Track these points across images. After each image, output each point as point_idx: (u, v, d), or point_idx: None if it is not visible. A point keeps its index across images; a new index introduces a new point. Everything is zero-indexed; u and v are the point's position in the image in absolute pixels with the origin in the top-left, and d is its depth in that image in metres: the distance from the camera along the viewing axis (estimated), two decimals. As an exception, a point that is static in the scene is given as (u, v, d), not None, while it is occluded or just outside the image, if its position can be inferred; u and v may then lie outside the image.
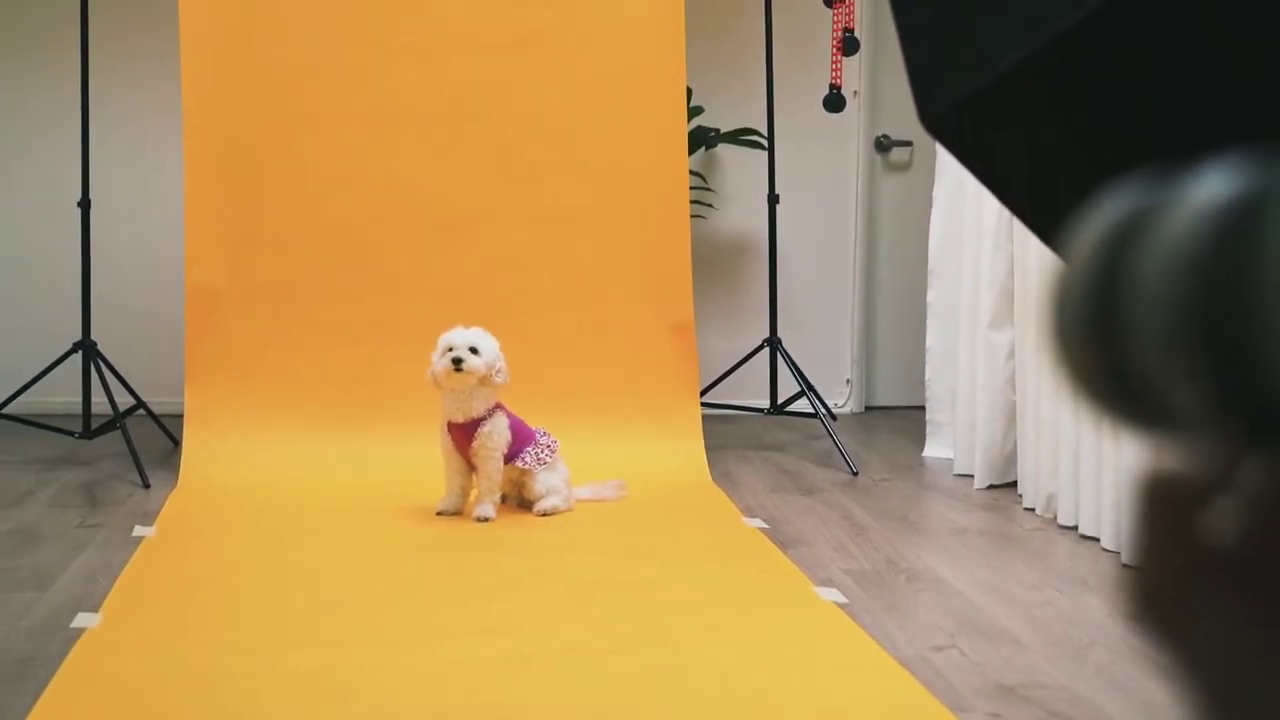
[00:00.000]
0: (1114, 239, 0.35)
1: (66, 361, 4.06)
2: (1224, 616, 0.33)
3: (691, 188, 4.74)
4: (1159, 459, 0.35)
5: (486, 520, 3.34)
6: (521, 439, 3.42)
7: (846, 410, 5.48)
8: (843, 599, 2.68)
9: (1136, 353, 0.33)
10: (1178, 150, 0.41)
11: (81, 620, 2.44)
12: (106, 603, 2.56)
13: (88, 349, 4.01)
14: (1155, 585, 0.34)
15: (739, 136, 5.02)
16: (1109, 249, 0.35)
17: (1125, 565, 0.38)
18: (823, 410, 4.37)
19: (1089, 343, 0.35)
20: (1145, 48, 0.52)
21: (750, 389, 4.74)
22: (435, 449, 3.43)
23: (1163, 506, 0.34)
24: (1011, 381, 3.87)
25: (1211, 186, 0.32)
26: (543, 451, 3.44)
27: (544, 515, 3.40)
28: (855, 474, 4.07)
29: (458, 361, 3.28)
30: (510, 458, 3.40)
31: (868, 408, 5.60)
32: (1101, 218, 0.35)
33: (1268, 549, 0.32)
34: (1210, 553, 0.33)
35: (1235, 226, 0.31)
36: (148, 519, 3.31)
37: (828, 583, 2.82)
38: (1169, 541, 0.34)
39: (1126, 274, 0.34)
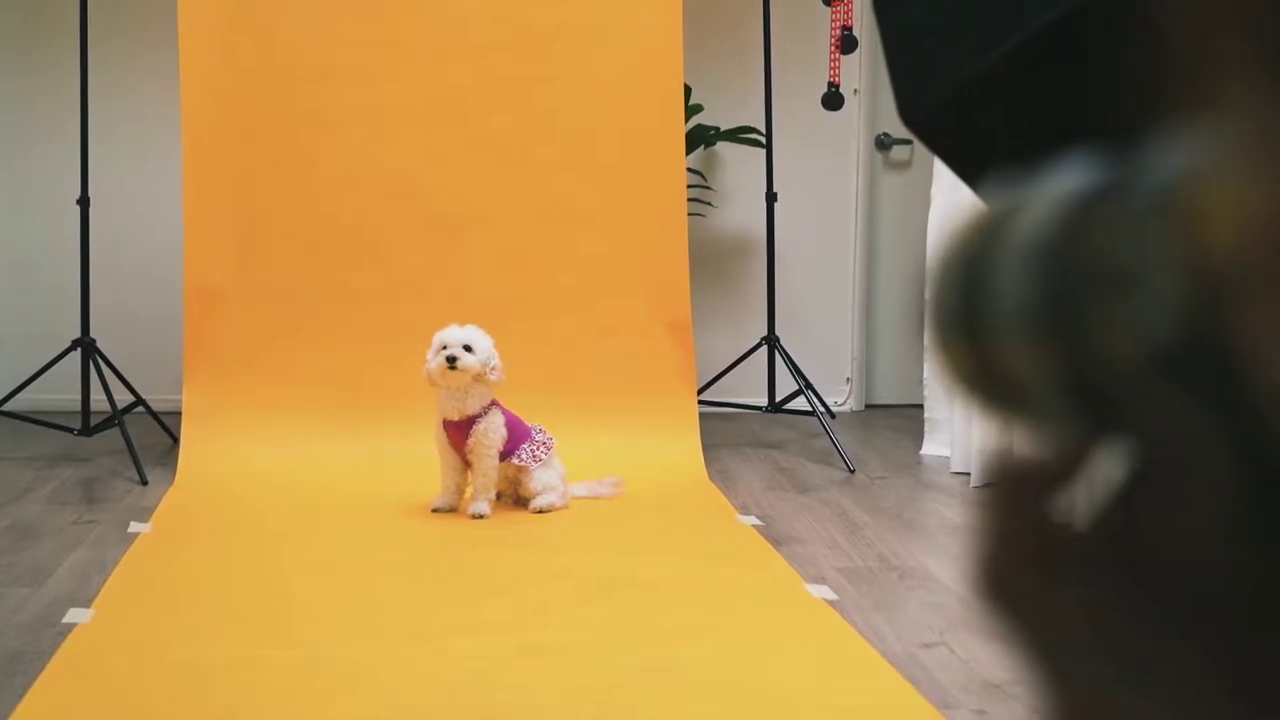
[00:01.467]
0: (981, 232, 0.35)
1: (66, 359, 4.07)
2: (1071, 601, 0.33)
3: (691, 186, 4.74)
4: (1015, 446, 0.35)
5: (482, 517, 3.34)
6: (517, 436, 3.43)
7: (847, 408, 5.48)
8: (833, 596, 2.68)
9: (995, 343, 0.34)
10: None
11: (73, 616, 2.45)
12: (98, 598, 2.57)
13: (87, 346, 4.03)
14: (1004, 569, 0.35)
15: (738, 135, 5.02)
16: (976, 242, 0.35)
17: (973, 548, 0.39)
18: (820, 408, 4.37)
19: (957, 334, 0.36)
20: (1126, 41, 0.53)
21: (749, 387, 4.73)
22: (431, 447, 3.44)
23: (1015, 491, 0.35)
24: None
25: (1062, 180, 0.33)
26: (538, 449, 3.45)
27: (539, 512, 3.41)
28: (852, 472, 4.07)
29: (452, 360, 3.29)
30: (506, 455, 3.41)
31: (868, 405, 5.60)
32: (975, 212, 0.36)
33: (1115, 536, 0.32)
34: (1059, 539, 0.34)
35: (1070, 220, 0.32)
36: (144, 516, 3.32)
37: (819, 580, 2.82)
38: (1019, 526, 0.35)
39: (987, 267, 0.34)
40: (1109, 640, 0.32)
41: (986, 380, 0.36)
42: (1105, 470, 0.33)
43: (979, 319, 0.35)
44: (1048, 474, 0.34)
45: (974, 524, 0.36)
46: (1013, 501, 0.35)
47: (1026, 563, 0.34)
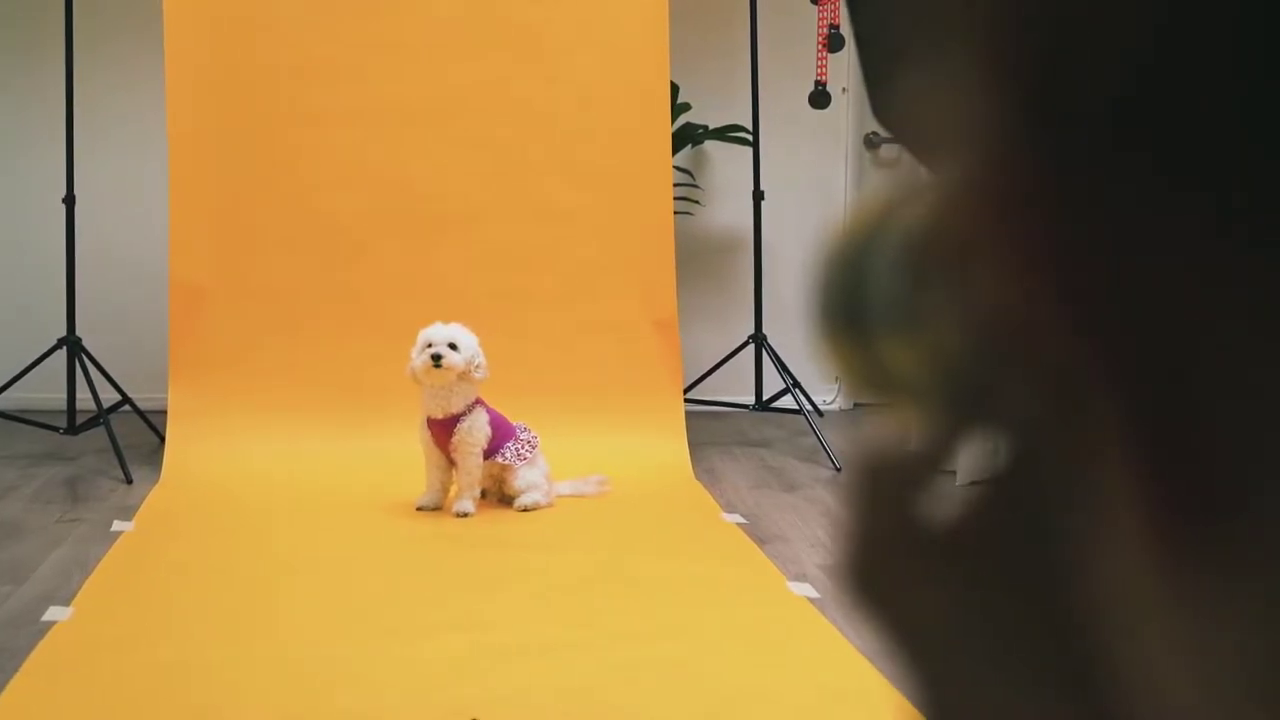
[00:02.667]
0: (863, 226, 0.35)
1: (51, 357, 4.06)
2: (932, 595, 0.33)
3: (678, 184, 4.74)
4: (881, 437, 0.35)
5: (466, 516, 3.34)
6: (502, 434, 3.43)
7: (835, 407, 5.47)
8: (815, 594, 2.68)
9: (875, 336, 0.34)
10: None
11: (51, 614, 2.44)
12: (78, 597, 2.56)
13: (72, 345, 4.02)
14: (869, 561, 0.35)
15: (726, 133, 5.02)
16: (858, 236, 0.35)
17: (840, 539, 0.39)
18: (807, 406, 4.37)
19: (840, 327, 0.36)
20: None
21: (737, 385, 4.73)
22: (416, 445, 3.44)
23: (881, 482, 0.35)
24: (994, 378, 3.86)
25: (932, 182, 0.33)
26: (523, 447, 3.45)
27: (524, 511, 3.41)
28: (839, 470, 4.07)
29: (436, 358, 3.29)
30: (490, 453, 3.40)
31: (856, 404, 5.60)
32: (859, 208, 0.36)
33: (978, 531, 0.32)
34: (923, 531, 0.33)
35: (928, 216, 0.32)
36: (128, 514, 3.32)
37: (801, 578, 2.82)
38: (884, 518, 0.34)
39: (866, 262, 0.34)
40: (970, 637, 0.32)
41: (869, 373, 0.36)
42: (972, 465, 0.33)
43: (859, 313, 0.35)
44: (914, 467, 0.34)
45: (839, 514, 0.36)
46: (877, 492, 0.35)
47: (891, 557, 0.34)
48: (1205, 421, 0.22)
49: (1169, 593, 0.23)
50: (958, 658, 0.33)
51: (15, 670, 2.13)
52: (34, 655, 2.20)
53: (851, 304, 0.35)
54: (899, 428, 0.35)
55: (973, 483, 0.33)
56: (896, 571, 0.34)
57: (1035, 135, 0.23)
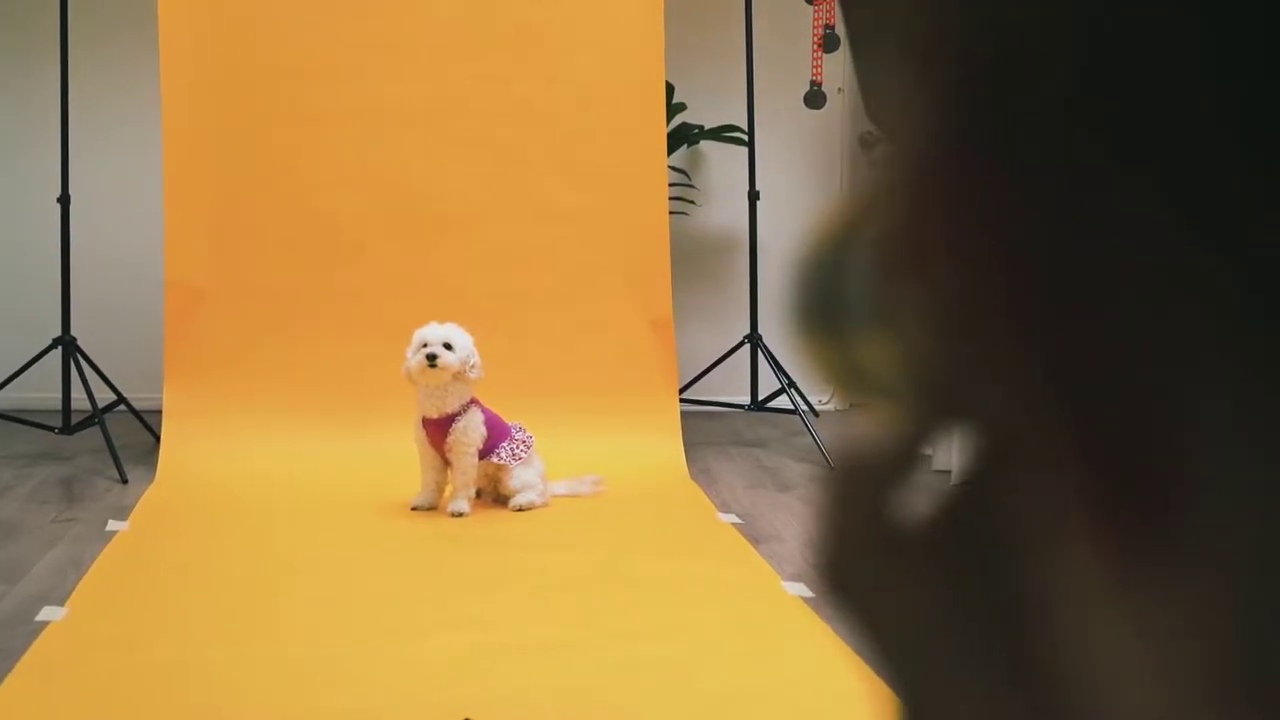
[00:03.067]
0: (839, 225, 0.35)
1: (46, 357, 4.06)
2: (905, 593, 0.33)
3: (674, 184, 4.74)
4: (855, 435, 0.35)
5: (461, 515, 3.34)
6: (497, 434, 3.43)
7: (831, 407, 5.48)
8: (809, 594, 2.69)
9: (851, 334, 0.34)
10: None
11: (46, 614, 2.44)
12: (73, 597, 2.56)
13: (67, 344, 4.02)
14: (842, 558, 0.35)
15: (721, 133, 5.02)
16: (835, 235, 0.36)
17: (814, 537, 0.39)
18: (803, 406, 4.37)
19: (817, 325, 0.36)
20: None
21: (733, 385, 4.74)
22: (411, 445, 3.44)
23: (855, 479, 0.35)
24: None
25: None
26: (518, 447, 3.45)
27: (519, 510, 3.41)
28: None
29: (432, 357, 3.29)
30: (486, 453, 3.40)
31: (852, 404, 5.60)
32: (835, 207, 0.36)
33: (947, 529, 0.33)
34: (896, 530, 0.34)
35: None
36: (123, 514, 3.32)
37: (796, 578, 2.82)
38: (858, 517, 0.35)
39: (842, 262, 0.35)
40: (941, 638, 0.32)
41: (845, 371, 0.36)
42: (945, 457, 0.33)
43: (837, 311, 0.35)
44: (887, 465, 0.34)
45: (815, 511, 0.36)
46: (851, 489, 0.35)
47: (863, 556, 0.34)
48: (1155, 418, 0.22)
49: (1116, 591, 0.23)
50: (929, 656, 0.33)
51: (9, 670, 2.12)
52: (28, 655, 2.20)
53: (827, 302, 0.36)
54: (872, 426, 0.35)
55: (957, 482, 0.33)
56: (869, 569, 0.34)
57: (977, 128, 0.23)
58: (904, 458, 0.34)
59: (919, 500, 0.34)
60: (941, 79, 0.24)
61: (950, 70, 0.24)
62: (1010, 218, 0.23)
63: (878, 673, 0.34)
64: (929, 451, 0.35)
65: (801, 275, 0.37)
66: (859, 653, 1.81)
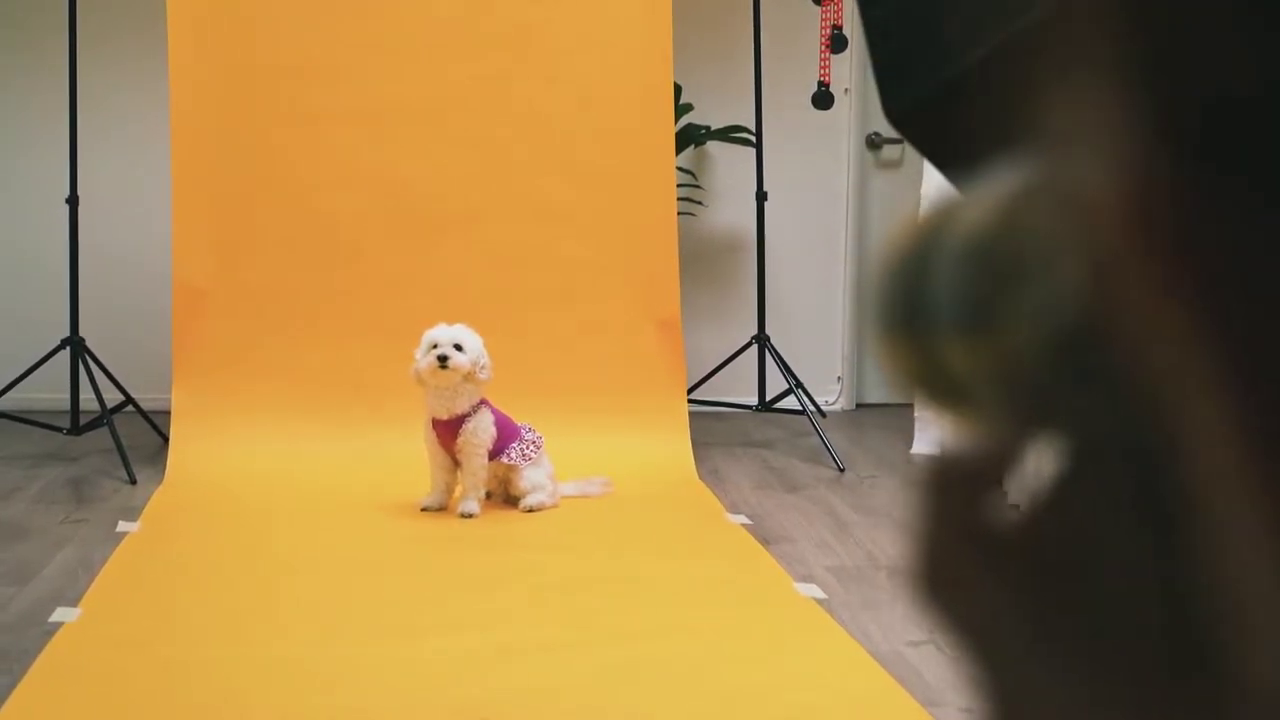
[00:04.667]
0: (921, 233, 0.36)
1: (55, 358, 4.06)
2: (1000, 597, 0.33)
3: (681, 185, 4.74)
4: (949, 441, 0.36)
5: (471, 516, 3.34)
6: (507, 435, 3.43)
7: (837, 407, 5.48)
8: (822, 595, 2.69)
9: (935, 340, 0.34)
10: None
11: (59, 615, 2.44)
12: (85, 597, 2.56)
13: (76, 345, 4.02)
14: (938, 564, 0.35)
15: (728, 134, 5.02)
16: (917, 243, 0.36)
17: (908, 541, 0.39)
18: (811, 407, 4.37)
19: (898, 332, 0.36)
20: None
21: (740, 386, 4.74)
22: (421, 446, 3.44)
23: (949, 487, 0.35)
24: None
25: (992, 183, 0.33)
26: (528, 447, 3.45)
27: (529, 511, 3.41)
28: (842, 471, 4.07)
29: (443, 359, 3.28)
30: (495, 454, 3.40)
31: (859, 405, 5.60)
32: (918, 215, 0.36)
33: (1045, 533, 0.33)
34: (990, 535, 0.34)
35: (995, 218, 0.32)
36: (133, 515, 3.32)
37: (808, 579, 2.82)
38: (953, 522, 0.35)
39: (925, 267, 0.35)
40: (1037, 638, 0.32)
41: (928, 376, 0.36)
42: (1041, 466, 0.33)
43: (920, 317, 0.35)
44: (981, 469, 0.34)
45: (910, 518, 0.36)
46: (947, 496, 0.35)
47: (960, 558, 0.34)
48: None
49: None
50: (1028, 664, 0.33)
51: (24, 671, 2.13)
52: (43, 656, 2.20)
53: (910, 307, 0.36)
54: (966, 433, 0.35)
55: (1032, 490, 0.33)
56: (964, 575, 0.34)
57: (1178, 146, 0.23)
58: (998, 463, 0.34)
59: (1014, 506, 0.34)
60: (1143, 94, 0.24)
61: (1152, 84, 0.24)
62: (1205, 225, 0.23)
63: (970, 677, 0.34)
64: (1024, 459, 0.34)
65: (883, 279, 0.37)
66: (886, 656, 1.81)
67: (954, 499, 0.35)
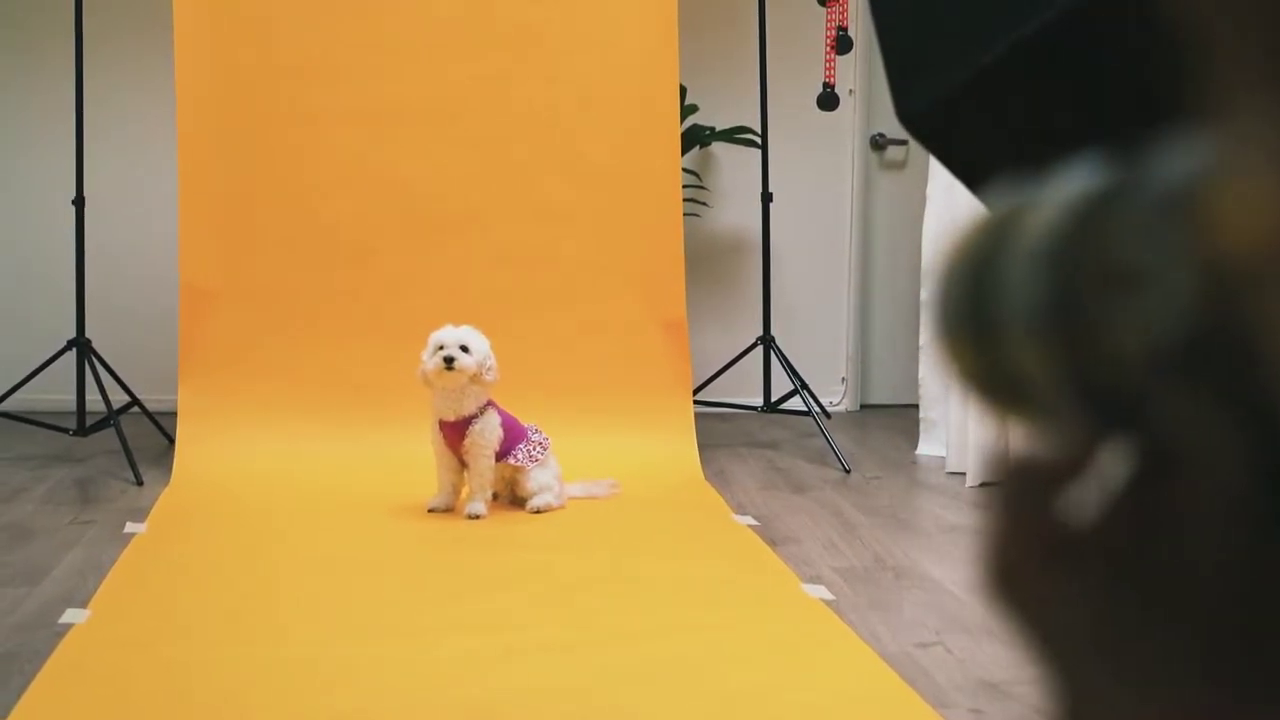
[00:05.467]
0: (988, 234, 0.36)
1: (61, 359, 4.07)
2: (1076, 598, 0.33)
3: (686, 186, 4.74)
4: (1022, 444, 0.36)
5: (478, 518, 3.34)
6: (513, 436, 3.43)
7: (842, 408, 5.48)
8: (830, 596, 2.69)
9: (1003, 344, 0.34)
10: (1148, 142, 0.42)
11: (69, 616, 2.44)
12: (95, 599, 2.57)
13: (82, 346, 4.02)
14: (1011, 565, 0.35)
15: (733, 135, 5.03)
16: (984, 244, 0.36)
17: (982, 543, 0.39)
18: (816, 408, 4.37)
19: (964, 334, 0.36)
20: (1121, 42, 0.53)
21: (745, 387, 4.74)
22: (428, 447, 3.44)
23: (1023, 489, 0.35)
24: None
25: (1071, 183, 0.33)
26: (535, 449, 3.45)
27: (536, 513, 3.41)
28: (848, 472, 4.07)
29: (449, 360, 3.29)
30: (502, 455, 3.41)
31: (863, 406, 5.60)
32: (982, 215, 0.36)
33: (1122, 534, 0.33)
34: (1065, 536, 0.34)
35: (1078, 221, 0.32)
36: (140, 516, 3.32)
37: (816, 580, 2.82)
38: (1027, 524, 0.35)
39: (995, 268, 0.35)
40: (1114, 639, 0.33)
41: (993, 379, 0.36)
42: (1112, 468, 0.33)
43: (986, 319, 0.35)
44: (1055, 471, 0.35)
45: (981, 522, 0.36)
46: (1020, 499, 0.35)
47: (1033, 561, 0.35)
48: None
49: None
50: (1103, 666, 0.33)
51: (34, 673, 2.13)
52: (54, 657, 2.20)
53: (977, 309, 0.36)
54: (1038, 437, 0.35)
55: (1114, 489, 0.33)
56: (1040, 580, 0.34)
57: None
58: (1073, 468, 0.34)
59: (1087, 506, 0.34)
60: None
61: None
62: None
63: (1046, 683, 0.35)
64: (1098, 463, 0.35)
65: (948, 280, 0.37)
66: (894, 657, 1.81)
67: (1027, 501, 0.35)
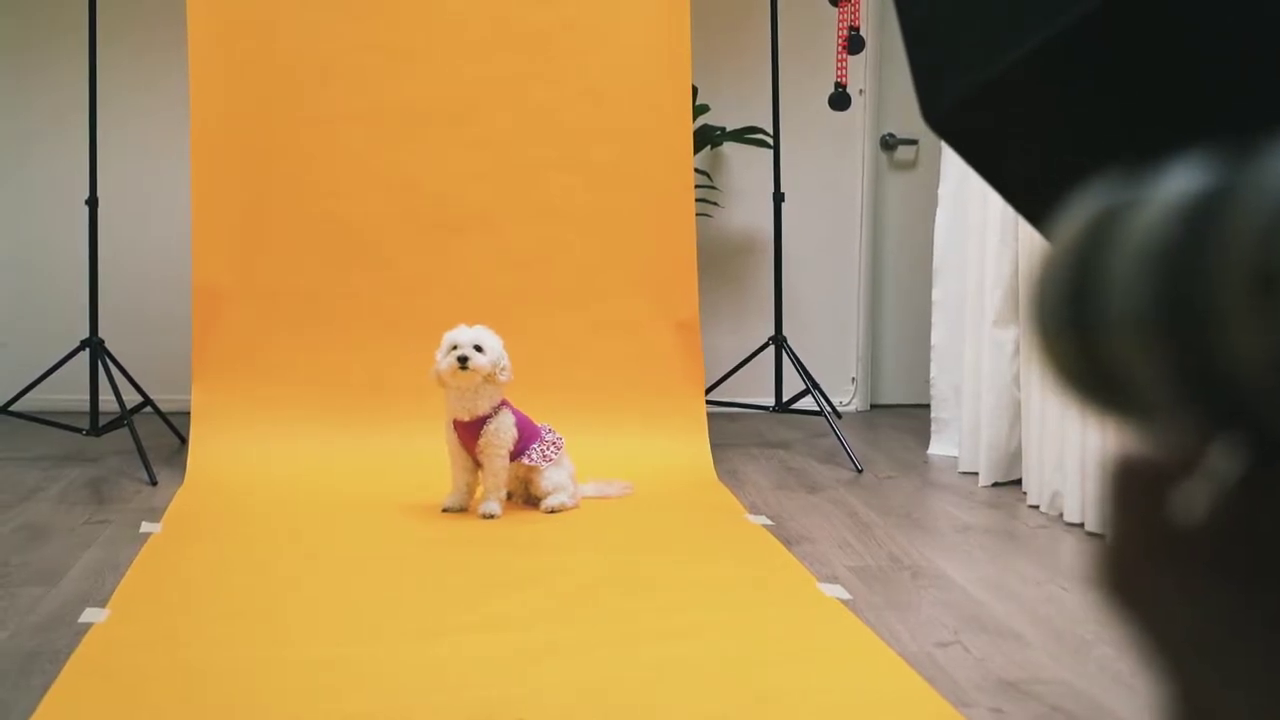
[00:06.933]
0: (1089, 233, 0.36)
1: (74, 359, 4.07)
2: (1190, 596, 0.33)
3: (697, 186, 4.74)
4: (1131, 443, 0.36)
5: (492, 517, 3.35)
6: (527, 436, 3.43)
7: (852, 408, 5.48)
8: (846, 595, 2.69)
9: (1109, 342, 0.34)
10: (1175, 144, 0.42)
11: (88, 615, 2.45)
12: (113, 598, 2.57)
13: (95, 346, 4.03)
14: (1124, 565, 0.35)
15: (744, 135, 5.03)
16: (1084, 243, 0.36)
17: (1095, 544, 0.39)
18: (827, 408, 4.37)
19: (1065, 332, 0.36)
20: (1146, 44, 0.53)
21: (756, 387, 4.74)
22: (441, 446, 3.44)
23: (1133, 489, 0.35)
24: (1016, 379, 3.87)
25: (1178, 183, 0.33)
26: (548, 448, 3.45)
27: (550, 512, 3.41)
28: (860, 471, 4.07)
29: (463, 360, 3.29)
30: (516, 455, 3.41)
31: (873, 405, 5.60)
32: (1078, 213, 0.36)
33: (1232, 531, 0.33)
34: (1177, 534, 0.34)
35: (1196, 221, 0.32)
36: (155, 515, 3.33)
37: (832, 579, 2.82)
38: (1138, 523, 0.35)
39: (1099, 266, 0.35)
40: (1224, 638, 0.33)
41: (1093, 378, 0.36)
42: (1223, 466, 0.33)
43: (1088, 318, 0.35)
44: (1164, 471, 0.35)
45: (1098, 521, 0.36)
46: (1131, 499, 0.35)
47: (1146, 560, 0.35)
48: None
49: None
50: (1214, 663, 0.33)
51: (55, 672, 2.13)
52: (74, 658, 2.20)
53: (1077, 306, 0.36)
54: (1150, 434, 0.35)
55: (1227, 488, 0.33)
56: (1152, 577, 0.34)
57: None
58: (1184, 465, 0.34)
59: (1200, 505, 0.34)
60: None
61: None
62: None
63: (1157, 679, 0.35)
64: (1209, 459, 0.35)
65: (1045, 276, 0.37)
66: (914, 656, 1.80)
67: (1139, 501, 0.35)
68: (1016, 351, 3.87)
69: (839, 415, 4.68)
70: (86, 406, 4.06)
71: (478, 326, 3.37)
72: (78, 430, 3.99)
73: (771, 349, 4.51)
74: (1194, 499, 0.33)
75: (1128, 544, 0.35)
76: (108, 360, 4.03)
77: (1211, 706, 0.33)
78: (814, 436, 4.68)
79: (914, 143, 5.55)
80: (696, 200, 4.56)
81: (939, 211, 4.34)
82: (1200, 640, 0.33)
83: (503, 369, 3.35)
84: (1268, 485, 0.32)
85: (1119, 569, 0.35)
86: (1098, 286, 0.34)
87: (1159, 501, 0.34)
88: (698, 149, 4.87)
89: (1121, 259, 0.34)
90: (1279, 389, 0.30)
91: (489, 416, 3.37)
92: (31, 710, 1.96)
